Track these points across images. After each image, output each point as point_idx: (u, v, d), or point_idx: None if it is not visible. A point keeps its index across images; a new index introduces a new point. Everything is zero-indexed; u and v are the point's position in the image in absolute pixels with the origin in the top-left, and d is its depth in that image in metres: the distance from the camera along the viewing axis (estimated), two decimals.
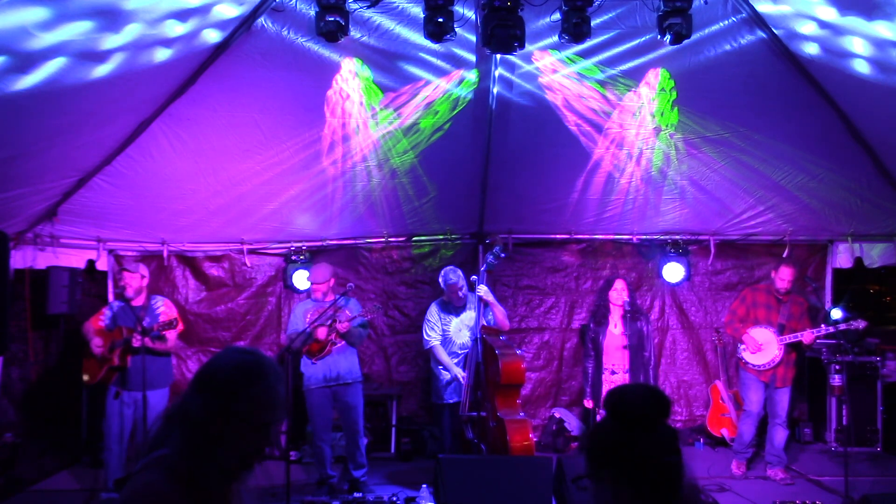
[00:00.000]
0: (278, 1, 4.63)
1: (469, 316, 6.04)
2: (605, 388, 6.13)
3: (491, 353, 5.58)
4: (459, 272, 6.14)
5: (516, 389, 5.66)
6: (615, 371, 6.14)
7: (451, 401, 6.05)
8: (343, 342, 6.05)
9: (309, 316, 6.01)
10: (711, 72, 5.29)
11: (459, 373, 5.92)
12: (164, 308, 6.00)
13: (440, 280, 6.19)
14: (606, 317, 6.31)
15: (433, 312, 6.23)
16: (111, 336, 5.76)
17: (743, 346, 6.33)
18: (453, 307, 6.17)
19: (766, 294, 6.42)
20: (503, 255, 5.87)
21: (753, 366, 6.27)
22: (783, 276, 6.26)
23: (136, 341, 5.54)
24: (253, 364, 1.82)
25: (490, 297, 5.90)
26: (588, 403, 6.34)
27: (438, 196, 6.85)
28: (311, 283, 6.20)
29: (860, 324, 6.09)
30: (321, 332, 5.96)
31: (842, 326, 6.09)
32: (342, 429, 6.27)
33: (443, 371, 6.10)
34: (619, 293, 6.28)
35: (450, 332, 6.13)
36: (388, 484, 6.31)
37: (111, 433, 5.77)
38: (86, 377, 5.87)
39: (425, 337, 6.20)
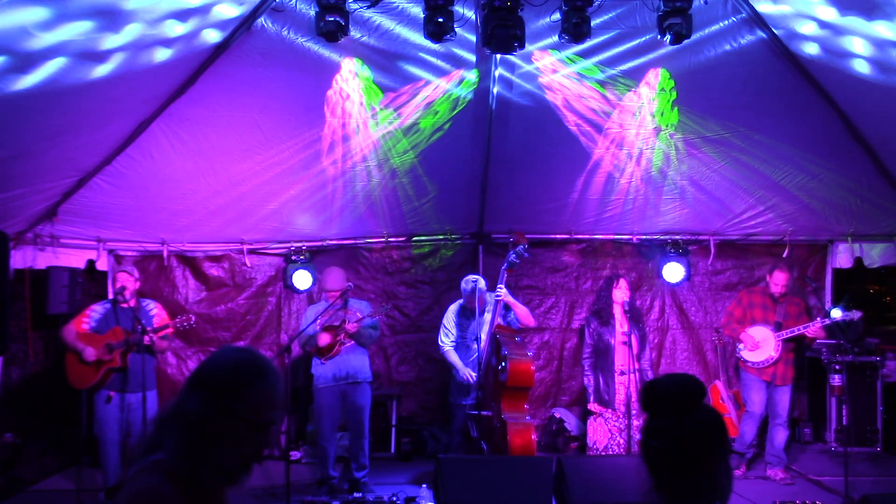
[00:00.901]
0: (278, 1, 4.63)
1: (486, 319, 5.92)
2: (616, 390, 6.11)
3: (500, 354, 5.54)
4: (476, 283, 5.93)
5: (524, 392, 5.58)
6: (623, 371, 6.11)
7: (465, 402, 6.04)
8: (352, 342, 6.07)
9: (321, 319, 6.01)
10: (711, 72, 5.29)
11: (469, 373, 5.90)
12: (156, 311, 6.02)
13: (461, 289, 6.11)
14: (612, 316, 6.28)
15: (450, 318, 6.19)
16: (103, 339, 5.73)
17: (741, 345, 6.34)
18: (471, 312, 6.10)
19: (761, 295, 6.46)
20: (526, 254, 5.74)
21: (752, 364, 6.28)
22: (777, 281, 6.31)
23: (146, 340, 5.56)
24: (251, 363, 1.80)
25: (510, 299, 5.85)
26: (593, 407, 6.26)
27: (438, 196, 6.85)
28: (327, 290, 6.18)
29: (855, 314, 6.16)
30: (324, 339, 5.99)
31: (838, 318, 6.14)
32: (346, 428, 6.28)
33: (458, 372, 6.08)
34: (623, 292, 6.27)
35: (467, 339, 6.09)
36: (388, 484, 6.30)
37: (110, 438, 5.73)
38: (75, 382, 5.78)
39: (439, 342, 6.20)
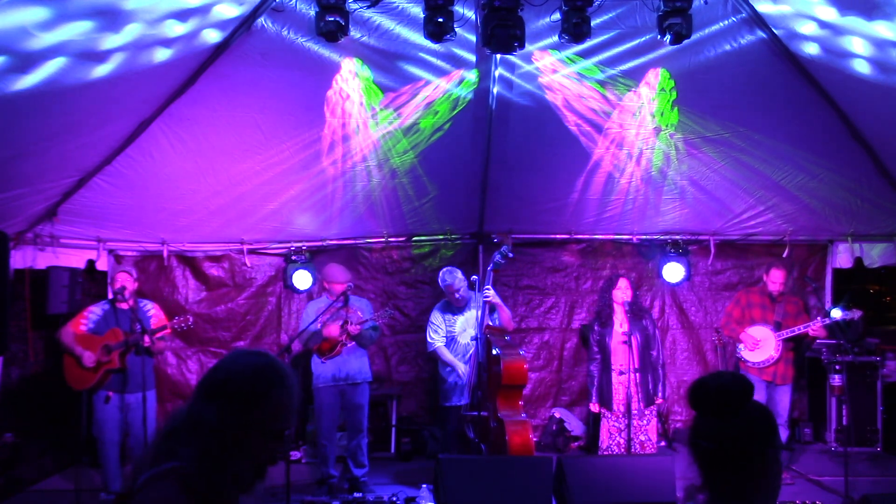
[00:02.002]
0: (278, 1, 4.63)
1: (472, 315, 6.00)
2: (615, 390, 6.11)
3: (493, 354, 5.56)
4: (456, 273, 6.10)
5: (518, 390, 5.62)
6: (623, 371, 6.10)
7: (456, 403, 6.04)
8: (353, 343, 6.08)
9: (322, 317, 6.02)
10: (711, 72, 5.29)
11: (464, 368, 5.92)
12: (154, 311, 6.02)
13: (439, 281, 6.20)
14: (611, 317, 6.28)
15: (436, 315, 6.23)
16: (102, 340, 5.72)
17: (741, 345, 6.33)
18: (455, 307, 6.17)
19: (760, 295, 6.45)
20: (511, 254, 5.81)
21: (753, 364, 6.27)
22: (774, 279, 6.31)
23: (143, 342, 5.55)
24: (269, 368, 1.74)
25: (497, 300, 5.89)
26: (594, 407, 6.28)
27: (438, 196, 6.85)
28: (332, 283, 6.15)
29: (856, 313, 6.16)
30: (333, 330, 5.99)
31: (838, 318, 6.15)
32: (346, 428, 6.28)
33: (448, 373, 6.08)
34: (622, 291, 6.27)
35: (454, 332, 6.12)
36: (388, 484, 6.31)
37: (109, 439, 5.73)
38: (74, 383, 5.78)
39: (428, 340, 6.21)
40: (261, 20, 4.76)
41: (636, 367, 6.02)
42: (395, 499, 5.73)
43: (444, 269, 6.17)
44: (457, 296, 6.07)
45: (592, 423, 6.73)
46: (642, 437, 6.07)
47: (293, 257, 7.18)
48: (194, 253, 7.28)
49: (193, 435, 1.69)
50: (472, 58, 5.29)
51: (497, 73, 5.44)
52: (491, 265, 5.80)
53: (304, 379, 6.39)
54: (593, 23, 4.55)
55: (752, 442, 1.80)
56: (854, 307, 6.26)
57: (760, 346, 6.25)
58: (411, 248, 7.64)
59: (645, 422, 6.09)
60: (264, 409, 1.70)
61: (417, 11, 4.65)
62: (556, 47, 5.14)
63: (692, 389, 1.91)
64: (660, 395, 6.16)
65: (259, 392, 1.70)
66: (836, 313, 6.24)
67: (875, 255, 7.45)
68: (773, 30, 4.94)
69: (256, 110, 5.50)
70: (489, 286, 5.77)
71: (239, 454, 1.69)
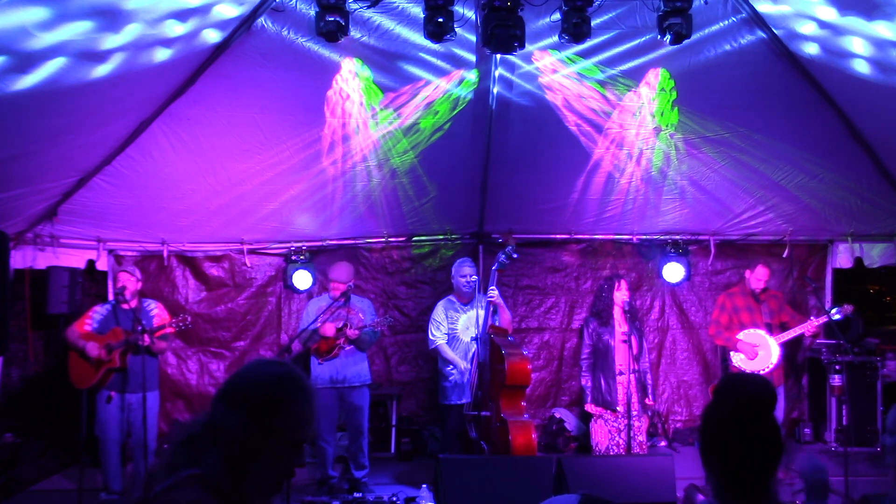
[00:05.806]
0: (278, 1, 4.63)
1: (475, 314, 5.99)
2: (616, 390, 6.09)
3: (497, 354, 5.54)
4: (469, 260, 6.19)
5: (521, 391, 5.61)
6: (622, 371, 6.10)
7: (457, 402, 6.04)
8: (352, 346, 6.08)
9: (322, 316, 6.01)
10: (711, 72, 5.29)
11: (465, 366, 5.91)
12: (157, 311, 6.02)
13: (453, 271, 6.19)
14: (612, 316, 6.28)
15: (439, 312, 6.21)
16: (105, 339, 5.73)
17: (740, 354, 6.28)
18: (461, 305, 6.15)
19: (743, 296, 6.44)
20: (515, 255, 5.77)
21: (756, 373, 6.24)
22: (760, 276, 6.34)
23: (143, 341, 5.55)
24: (290, 379, 1.77)
25: (500, 301, 5.90)
26: (590, 408, 6.26)
27: (438, 196, 6.85)
28: (334, 281, 6.15)
29: (848, 309, 6.19)
30: (329, 329, 5.98)
31: (827, 317, 6.19)
32: (346, 429, 6.28)
33: (450, 372, 6.07)
34: (623, 293, 6.27)
35: (457, 331, 6.11)
36: (388, 484, 6.31)
37: (111, 438, 5.74)
38: (77, 382, 5.78)
39: (430, 337, 6.18)
40: (261, 20, 4.77)
41: (634, 367, 6.02)
42: (395, 499, 5.73)
43: (460, 260, 6.28)
44: (466, 290, 6.03)
45: (590, 422, 6.71)
46: (640, 438, 6.07)
47: (293, 257, 7.18)
48: (194, 253, 7.27)
49: (216, 442, 1.70)
50: (472, 58, 5.29)
51: (497, 73, 5.44)
52: (496, 265, 5.78)
53: None
54: (593, 23, 4.55)
55: (777, 445, 1.82)
56: (845, 304, 6.28)
57: (759, 353, 6.23)
58: (411, 248, 7.64)
59: (640, 422, 6.11)
60: (286, 418, 1.73)
61: (417, 11, 4.66)
62: (556, 47, 5.14)
63: (723, 393, 1.90)
64: (650, 397, 6.17)
65: (281, 400, 1.73)
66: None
67: (875, 255, 7.46)
68: (773, 30, 4.94)
69: (256, 110, 5.50)
70: (494, 287, 5.76)
71: (261, 462, 1.71)
